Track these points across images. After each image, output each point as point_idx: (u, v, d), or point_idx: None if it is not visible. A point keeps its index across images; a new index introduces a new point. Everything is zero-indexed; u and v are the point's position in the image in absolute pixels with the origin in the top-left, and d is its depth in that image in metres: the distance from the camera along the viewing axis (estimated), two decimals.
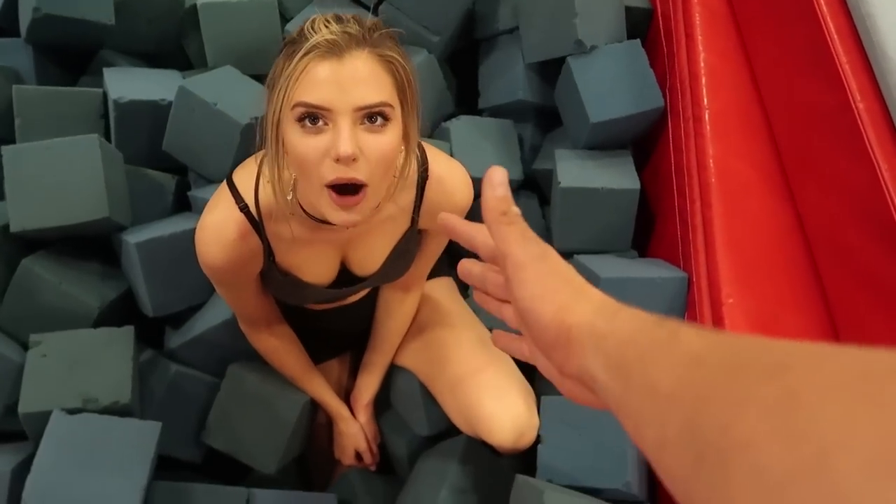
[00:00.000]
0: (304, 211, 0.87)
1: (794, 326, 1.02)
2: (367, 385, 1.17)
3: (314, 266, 0.97)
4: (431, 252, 1.06)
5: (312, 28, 0.75)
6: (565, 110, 1.33)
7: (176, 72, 1.33)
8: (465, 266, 0.50)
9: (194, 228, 0.93)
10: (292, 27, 1.34)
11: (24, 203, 1.06)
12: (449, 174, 0.96)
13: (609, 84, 1.24)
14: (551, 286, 0.40)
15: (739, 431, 0.24)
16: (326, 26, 0.74)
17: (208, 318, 1.15)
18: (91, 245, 1.16)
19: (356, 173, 0.75)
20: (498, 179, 0.42)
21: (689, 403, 0.27)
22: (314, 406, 1.17)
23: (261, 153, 0.88)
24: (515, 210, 0.42)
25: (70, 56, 1.36)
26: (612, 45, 1.27)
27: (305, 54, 0.74)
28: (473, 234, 0.47)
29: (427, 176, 0.94)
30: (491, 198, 0.42)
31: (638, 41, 1.27)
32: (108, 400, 0.99)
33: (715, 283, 1.05)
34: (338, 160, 0.74)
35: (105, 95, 1.24)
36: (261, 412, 1.10)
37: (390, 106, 0.77)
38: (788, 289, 1.05)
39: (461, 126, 1.34)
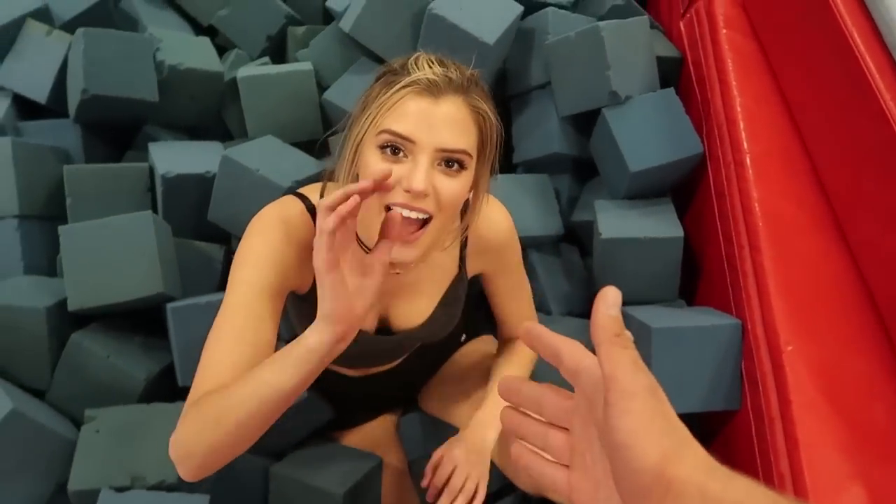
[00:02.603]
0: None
1: (859, 370, 0.98)
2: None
3: None
4: (510, 288, 1.04)
5: (416, 64, 0.77)
6: (602, 161, 1.33)
7: (218, 143, 1.36)
8: (512, 384, 0.47)
9: None
10: (330, 96, 1.38)
11: (81, 281, 1.07)
12: (488, 207, 0.94)
13: (646, 132, 1.24)
14: (658, 427, 0.37)
15: None
16: (430, 66, 0.77)
17: None
18: (139, 316, 1.17)
19: (423, 205, 0.76)
20: (612, 300, 0.39)
21: None
22: (372, 477, 1.09)
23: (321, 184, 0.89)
24: (629, 334, 0.39)
25: (115, 132, 1.41)
26: (646, 95, 1.27)
27: (405, 87, 0.76)
28: (559, 346, 0.43)
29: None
30: (605, 316, 0.39)
31: (672, 89, 1.28)
32: (155, 479, 0.98)
33: (772, 329, 1.01)
34: (408, 191, 0.75)
35: (151, 170, 1.27)
36: None
37: (469, 155, 0.78)
38: (849, 331, 1.01)
39: (499, 184, 1.34)
